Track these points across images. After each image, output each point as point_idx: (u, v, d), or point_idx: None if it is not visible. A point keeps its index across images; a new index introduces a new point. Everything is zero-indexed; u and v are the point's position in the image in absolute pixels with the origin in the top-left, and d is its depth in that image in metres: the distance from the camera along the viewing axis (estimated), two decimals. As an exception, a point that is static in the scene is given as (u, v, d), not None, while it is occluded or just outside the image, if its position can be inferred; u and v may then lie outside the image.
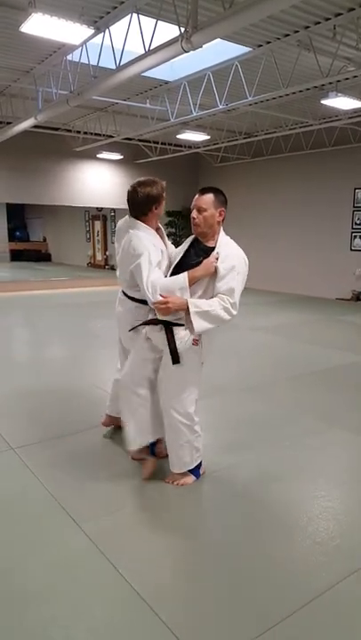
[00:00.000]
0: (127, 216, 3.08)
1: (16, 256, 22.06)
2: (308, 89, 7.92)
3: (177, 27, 5.01)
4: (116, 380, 3.47)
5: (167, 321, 2.74)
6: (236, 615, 1.94)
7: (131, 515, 2.64)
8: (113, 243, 18.14)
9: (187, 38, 4.83)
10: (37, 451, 3.35)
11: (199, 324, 2.59)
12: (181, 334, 2.75)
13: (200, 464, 2.99)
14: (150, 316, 2.89)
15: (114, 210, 17.24)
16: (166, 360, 2.80)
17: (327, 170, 11.45)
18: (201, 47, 5.01)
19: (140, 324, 2.94)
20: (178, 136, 10.94)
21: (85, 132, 11.50)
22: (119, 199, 13.91)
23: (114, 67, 6.17)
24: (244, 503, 2.76)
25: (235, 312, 2.66)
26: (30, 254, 22.12)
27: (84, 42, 6.14)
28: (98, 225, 18.82)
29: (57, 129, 11.61)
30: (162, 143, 12.50)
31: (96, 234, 19.06)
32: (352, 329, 8.05)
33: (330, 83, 7.31)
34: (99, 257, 19.04)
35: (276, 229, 12.58)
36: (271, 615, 1.93)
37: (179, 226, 14.03)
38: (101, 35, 6.07)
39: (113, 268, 17.63)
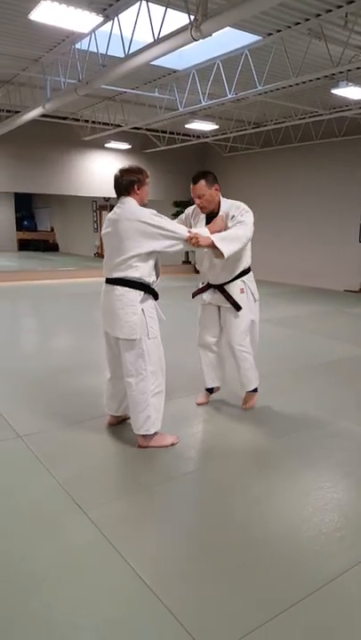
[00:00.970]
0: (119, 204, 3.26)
1: (24, 246, 22.11)
2: (318, 78, 7.86)
3: (187, 15, 4.95)
4: (109, 380, 3.48)
5: (218, 284, 3.67)
6: (242, 603, 1.95)
7: (137, 502, 2.66)
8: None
9: (196, 26, 4.79)
10: (44, 439, 3.38)
11: (225, 247, 3.19)
12: (230, 289, 3.63)
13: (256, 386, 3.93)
14: (200, 285, 3.84)
15: (121, 200, 17.22)
16: (228, 312, 3.69)
17: (337, 160, 11.35)
18: (211, 35, 4.97)
19: (198, 292, 3.83)
20: (186, 125, 10.88)
21: (93, 122, 11.45)
22: (127, 189, 13.88)
23: (122, 55, 6.12)
24: (248, 493, 2.77)
25: (251, 227, 3.40)
26: (38, 244, 22.16)
27: (93, 30, 6.12)
28: (105, 215, 18.77)
29: (65, 118, 11.59)
30: (170, 133, 12.44)
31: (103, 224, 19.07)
32: (359, 321, 8.02)
33: (340, 72, 7.24)
34: (106, 247, 19.04)
35: (285, 220, 12.52)
36: (276, 604, 1.94)
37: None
38: (110, 23, 6.03)
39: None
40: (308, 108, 9.47)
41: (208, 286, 3.78)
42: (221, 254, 3.20)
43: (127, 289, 3.08)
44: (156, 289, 3.22)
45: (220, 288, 3.69)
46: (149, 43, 5.54)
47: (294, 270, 12.32)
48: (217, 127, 11.07)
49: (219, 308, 3.79)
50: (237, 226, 3.39)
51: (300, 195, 12.22)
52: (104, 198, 17.76)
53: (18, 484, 2.83)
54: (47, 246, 22.33)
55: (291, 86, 8.32)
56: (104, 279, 3.25)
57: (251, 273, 3.77)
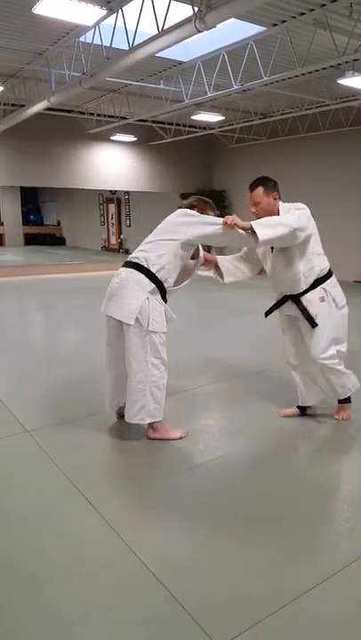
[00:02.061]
0: None
1: (30, 240, 22.12)
2: (324, 68, 7.78)
3: (190, 6, 4.93)
4: (111, 374, 3.40)
5: (293, 295, 3.32)
6: (249, 593, 1.98)
7: (145, 495, 2.69)
8: (128, 226, 18.16)
9: (200, 18, 4.76)
10: (52, 433, 3.41)
11: (262, 232, 2.91)
12: (308, 298, 3.27)
13: (350, 396, 3.54)
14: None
15: (128, 193, 17.21)
16: (306, 325, 3.30)
17: (344, 150, 11.26)
18: (215, 27, 4.94)
19: (273, 309, 3.49)
20: (192, 117, 10.82)
21: (99, 114, 11.42)
22: (133, 182, 13.87)
23: (127, 48, 6.10)
24: (256, 483, 2.79)
25: (294, 216, 3.10)
26: (44, 238, 22.17)
27: (97, 23, 6.08)
28: (112, 208, 18.79)
29: (70, 111, 11.55)
30: (176, 124, 12.37)
31: (110, 217, 19.04)
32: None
33: (346, 62, 7.15)
34: (113, 241, 19.05)
35: (292, 212, 12.45)
36: (284, 594, 1.96)
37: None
38: (114, 15, 5.99)
39: (128, 252, 17.64)
40: (314, 99, 9.40)
41: (284, 299, 3.40)
42: (257, 239, 2.93)
43: (138, 272, 3.09)
44: (169, 292, 3.19)
45: (296, 299, 3.32)
46: (154, 35, 5.52)
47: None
48: (223, 118, 11.01)
49: (296, 319, 3.42)
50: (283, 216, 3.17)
51: (308, 185, 12.13)
52: (110, 191, 17.76)
53: (26, 477, 2.86)
54: (54, 240, 22.35)
55: (297, 76, 8.24)
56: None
57: (333, 278, 3.40)
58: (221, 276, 3.57)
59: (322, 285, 3.33)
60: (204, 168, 14.36)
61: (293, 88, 8.98)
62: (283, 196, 3.38)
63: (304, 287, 3.29)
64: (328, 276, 3.38)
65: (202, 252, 3.51)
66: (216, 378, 4.53)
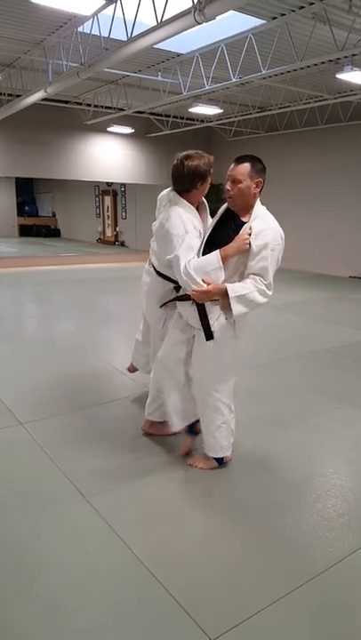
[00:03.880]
0: (170, 188, 2.91)
1: (25, 231, 22.00)
2: (323, 62, 7.75)
3: (190, -3, 4.89)
4: (139, 342, 3.65)
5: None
6: (244, 587, 1.99)
7: (138, 489, 2.69)
8: (124, 218, 18.08)
9: (200, 10, 4.73)
10: (46, 426, 3.41)
11: (237, 309, 2.52)
12: (214, 311, 2.63)
13: (224, 458, 2.89)
14: (180, 292, 2.83)
15: (124, 185, 17.12)
16: (200, 338, 2.69)
17: (342, 145, 11.25)
18: (214, 19, 4.90)
19: (171, 300, 2.89)
20: (190, 110, 10.75)
21: (96, 106, 11.35)
22: (130, 174, 13.80)
23: (125, 38, 6.05)
24: (251, 480, 2.80)
25: (270, 293, 2.58)
26: (39, 230, 22.04)
27: (96, 13, 6.03)
28: (108, 200, 18.69)
29: (67, 102, 11.48)
30: (174, 117, 12.31)
31: (106, 209, 18.95)
32: (362, 308, 8.01)
33: (345, 56, 7.14)
34: (108, 233, 18.97)
35: (288, 205, 12.43)
36: (279, 588, 1.97)
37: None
38: (113, 6, 5.94)
39: (123, 245, 17.59)
40: (312, 93, 9.37)
41: (185, 296, 2.73)
42: (230, 314, 2.55)
43: (158, 278, 3.00)
44: None
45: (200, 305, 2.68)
46: (152, 26, 5.48)
47: (298, 256, 12.26)
48: (221, 111, 10.95)
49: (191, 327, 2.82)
50: (254, 282, 2.56)
51: (305, 180, 12.14)
52: (107, 183, 17.67)
53: (19, 469, 2.86)
54: (49, 232, 22.23)
55: (295, 70, 8.22)
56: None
57: None
58: None
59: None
60: (200, 161, 14.28)
61: (292, 82, 8.96)
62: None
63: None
64: None
65: None
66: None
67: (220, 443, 2.81)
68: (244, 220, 2.66)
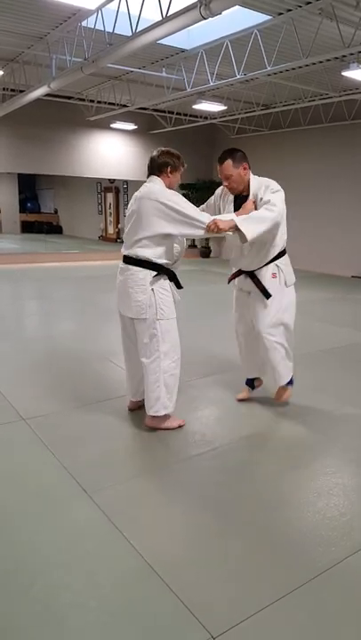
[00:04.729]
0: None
1: (27, 228, 21.98)
2: (328, 60, 7.71)
3: (196, -8, 4.86)
4: (125, 362, 3.45)
5: (249, 271, 3.43)
6: (246, 585, 1.97)
7: (141, 485, 2.67)
8: (126, 216, 18.05)
9: (206, 4, 4.70)
10: (48, 422, 3.39)
11: (248, 229, 3.00)
12: (261, 274, 3.38)
13: (292, 378, 3.63)
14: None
15: (126, 182, 17.08)
16: (256, 299, 3.41)
17: (346, 143, 11.20)
18: (220, 14, 4.87)
19: (232, 277, 3.58)
20: (194, 106, 10.72)
21: (99, 102, 11.32)
22: (132, 171, 13.76)
23: (130, 34, 6.02)
24: (254, 477, 2.78)
25: (277, 207, 3.16)
26: (41, 226, 22.02)
27: (100, 7, 6.00)
28: (110, 197, 18.65)
29: (70, 98, 11.44)
30: (177, 113, 12.27)
31: (108, 206, 18.91)
32: (365, 307, 7.98)
33: (351, 54, 7.12)
34: (110, 230, 18.93)
35: (290, 204, 12.35)
36: (282, 586, 1.95)
37: (193, 199, 13.91)
38: (117, 0, 5.91)
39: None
40: (317, 90, 9.33)
41: (240, 272, 3.52)
42: (245, 238, 3.02)
43: (138, 268, 3.07)
44: (175, 270, 3.19)
45: (251, 274, 3.43)
46: (157, 21, 5.45)
47: (301, 255, 12.15)
48: (225, 108, 10.91)
49: (249, 293, 3.51)
50: (264, 207, 3.16)
51: (308, 178, 12.09)
52: (109, 180, 17.63)
53: (20, 466, 2.84)
54: (51, 228, 22.20)
55: (301, 67, 8.18)
56: (122, 257, 3.21)
57: (286, 256, 3.49)
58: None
59: (275, 262, 3.42)
60: (203, 158, 14.26)
61: (297, 79, 8.91)
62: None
63: (262, 264, 3.40)
64: (282, 253, 3.47)
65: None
66: (214, 369, 4.52)
67: (281, 372, 3.54)
68: (244, 194, 3.33)
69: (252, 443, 3.20)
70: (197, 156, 14.00)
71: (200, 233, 3.04)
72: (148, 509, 2.48)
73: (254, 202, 3.25)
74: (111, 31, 6.41)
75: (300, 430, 3.39)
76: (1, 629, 1.74)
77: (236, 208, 3.31)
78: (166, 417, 3.25)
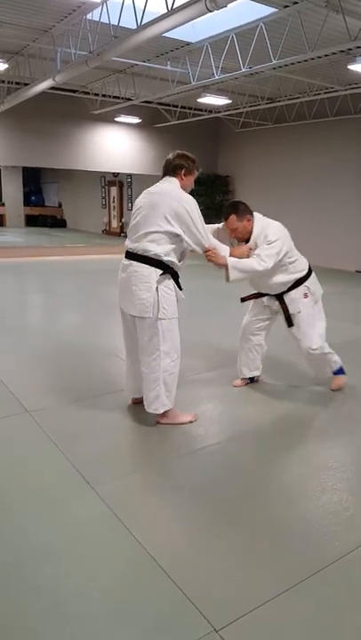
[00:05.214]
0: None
1: (31, 221, 21.95)
2: (334, 53, 7.65)
3: (201, -16, 4.82)
4: (126, 359, 3.46)
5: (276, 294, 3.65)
6: (250, 578, 1.98)
7: (145, 478, 2.69)
8: (130, 210, 18.02)
9: (212, -4, 4.66)
10: (53, 414, 3.41)
11: (233, 273, 3.27)
12: (292, 297, 3.62)
13: (341, 367, 3.88)
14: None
15: (130, 176, 17.04)
16: (301, 319, 3.64)
17: (351, 138, 11.13)
18: (225, 6, 4.84)
19: (251, 298, 3.82)
20: (199, 100, 10.66)
21: (104, 95, 11.28)
22: (136, 164, 13.73)
23: (135, 27, 5.99)
24: (257, 471, 2.79)
25: (265, 263, 3.36)
26: (45, 220, 21.99)
27: (105, 0, 5.97)
28: (114, 191, 18.62)
29: (75, 91, 11.40)
30: (182, 107, 12.21)
31: (112, 200, 18.88)
32: (369, 302, 7.96)
33: (358, 47, 7.05)
34: (114, 224, 18.91)
35: (294, 198, 12.35)
36: (285, 580, 1.96)
37: (196, 193, 13.87)
38: (123, -8, 5.89)
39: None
40: (323, 84, 9.26)
41: (259, 294, 3.78)
42: (227, 278, 3.29)
43: (143, 265, 3.03)
44: (178, 271, 3.18)
45: (279, 297, 3.66)
46: (162, 14, 5.42)
47: (304, 249, 12.17)
48: (230, 102, 10.84)
49: (277, 312, 3.77)
50: (257, 259, 3.38)
51: (312, 173, 12.04)
52: (113, 174, 17.59)
53: (25, 457, 2.86)
54: (55, 222, 22.17)
55: (306, 61, 8.12)
56: (124, 252, 3.19)
57: (313, 276, 3.73)
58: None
59: (305, 283, 3.65)
60: (208, 152, 14.21)
61: (302, 72, 8.85)
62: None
63: (285, 289, 3.62)
64: (309, 273, 3.70)
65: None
66: (216, 364, 4.52)
67: (327, 372, 3.87)
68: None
69: (254, 437, 3.21)
70: (202, 149, 13.92)
71: (197, 250, 3.13)
72: (153, 502, 2.49)
73: (251, 249, 3.48)
74: (116, 24, 6.38)
75: (304, 425, 3.40)
76: (5, 617, 1.76)
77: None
78: (174, 412, 3.26)
